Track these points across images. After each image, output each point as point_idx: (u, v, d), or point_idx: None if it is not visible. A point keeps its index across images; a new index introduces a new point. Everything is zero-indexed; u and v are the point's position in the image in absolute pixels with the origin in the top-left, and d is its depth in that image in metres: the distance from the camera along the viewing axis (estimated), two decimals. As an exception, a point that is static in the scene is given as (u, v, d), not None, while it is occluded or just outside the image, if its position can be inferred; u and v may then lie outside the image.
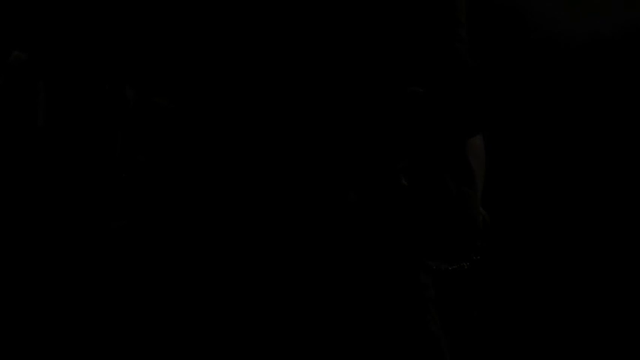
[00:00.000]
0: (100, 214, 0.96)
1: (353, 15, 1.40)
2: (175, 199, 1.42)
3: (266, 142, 1.41)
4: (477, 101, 1.04)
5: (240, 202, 1.29)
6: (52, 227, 1.16)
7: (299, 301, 1.39)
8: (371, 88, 1.43)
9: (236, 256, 1.36)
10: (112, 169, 0.96)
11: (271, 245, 1.34)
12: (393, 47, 1.40)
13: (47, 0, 1.28)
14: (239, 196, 1.32)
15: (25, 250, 1.32)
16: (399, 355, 1.44)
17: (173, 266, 1.41)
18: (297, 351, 1.41)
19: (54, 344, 1.36)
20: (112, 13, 1.10)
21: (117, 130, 0.96)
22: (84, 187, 0.96)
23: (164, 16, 1.47)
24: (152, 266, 1.41)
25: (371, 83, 1.42)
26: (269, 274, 1.38)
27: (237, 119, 1.44)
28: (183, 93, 1.50)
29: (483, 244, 1.20)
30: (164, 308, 1.43)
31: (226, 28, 1.46)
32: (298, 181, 1.30)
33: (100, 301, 1.42)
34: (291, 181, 1.30)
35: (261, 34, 1.42)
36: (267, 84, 1.39)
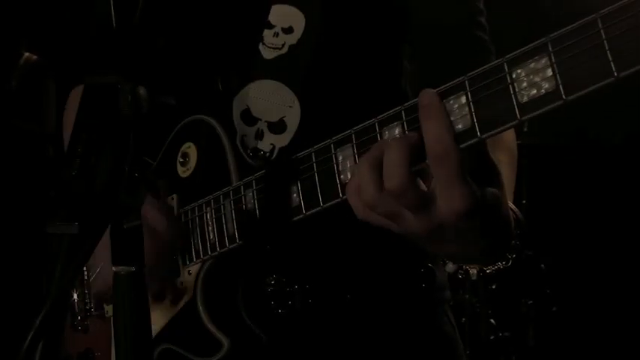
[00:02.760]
0: (111, 214, 0.95)
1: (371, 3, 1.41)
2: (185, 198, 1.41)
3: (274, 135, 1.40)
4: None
5: (248, 201, 1.29)
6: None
7: (313, 301, 1.38)
8: (388, 73, 1.43)
9: (249, 253, 1.35)
10: (124, 169, 0.94)
11: (283, 244, 1.33)
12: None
13: (57, 2, 1.28)
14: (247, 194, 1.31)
15: (33, 251, 1.32)
16: (413, 356, 1.43)
17: (184, 263, 1.40)
18: (313, 349, 1.40)
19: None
20: (121, 13, 1.09)
21: (130, 129, 0.95)
22: (95, 187, 0.94)
23: (171, 16, 1.46)
24: (164, 265, 1.41)
25: (388, 68, 1.43)
26: (282, 273, 1.37)
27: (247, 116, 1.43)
28: (188, 91, 1.50)
29: (518, 243, 1.14)
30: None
31: (231, 25, 1.46)
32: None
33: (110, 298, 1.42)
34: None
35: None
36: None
